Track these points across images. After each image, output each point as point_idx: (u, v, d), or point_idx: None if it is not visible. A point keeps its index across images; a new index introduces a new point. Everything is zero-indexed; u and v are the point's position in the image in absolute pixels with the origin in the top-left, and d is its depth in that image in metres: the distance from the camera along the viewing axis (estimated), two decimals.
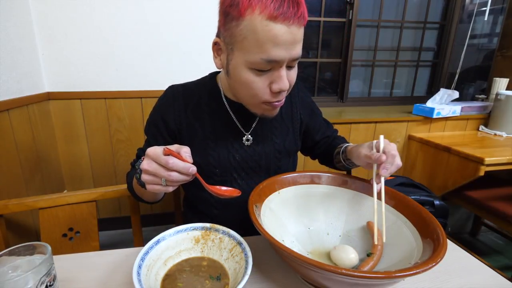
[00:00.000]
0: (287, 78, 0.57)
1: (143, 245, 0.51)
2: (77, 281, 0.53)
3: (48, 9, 1.33)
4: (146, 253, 0.50)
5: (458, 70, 2.01)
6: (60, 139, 1.50)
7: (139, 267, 0.46)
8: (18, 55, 1.21)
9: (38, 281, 0.41)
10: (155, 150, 0.48)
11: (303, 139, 0.85)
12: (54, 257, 0.53)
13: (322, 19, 1.89)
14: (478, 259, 0.61)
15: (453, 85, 2.03)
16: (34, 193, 1.24)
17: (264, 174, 0.75)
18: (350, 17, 1.88)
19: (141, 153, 0.78)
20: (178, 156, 0.48)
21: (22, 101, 1.21)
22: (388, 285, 0.42)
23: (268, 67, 0.54)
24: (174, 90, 0.74)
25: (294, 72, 0.60)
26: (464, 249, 0.64)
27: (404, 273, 0.37)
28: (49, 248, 0.45)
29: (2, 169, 1.07)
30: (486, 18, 1.98)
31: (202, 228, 0.57)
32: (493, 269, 0.57)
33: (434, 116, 1.76)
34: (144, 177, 0.49)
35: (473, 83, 2.28)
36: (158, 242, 0.53)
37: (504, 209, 1.39)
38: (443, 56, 2.12)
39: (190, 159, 0.49)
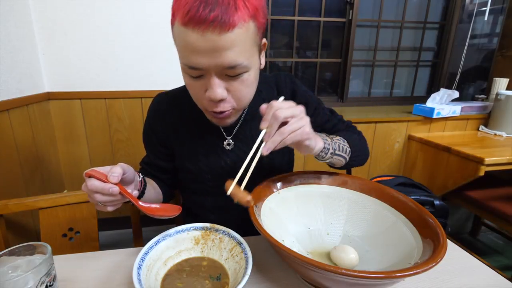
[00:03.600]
0: (225, 87, 0.53)
1: (143, 245, 0.51)
2: (77, 281, 0.53)
3: (48, 9, 1.33)
4: (146, 253, 0.50)
5: (459, 71, 2.01)
6: (60, 139, 1.50)
7: (139, 267, 0.46)
8: (18, 55, 1.21)
9: (38, 281, 0.41)
10: (85, 173, 0.49)
11: None
12: (54, 257, 0.53)
13: (322, 19, 1.89)
14: (478, 259, 0.61)
15: (454, 85, 2.03)
16: (34, 193, 1.24)
17: (256, 176, 0.72)
18: (350, 17, 1.88)
19: (142, 163, 0.79)
20: (98, 176, 0.47)
21: (22, 101, 1.21)
22: (388, 285, 0.42)
23: (195, 73, 0.52)
24: (160, 99, 0.74)
25: (239, 84, 0.54)
26: (464, 249, 0.64)
27: (404, 273, 0.37)
28: (49, 248, 0.45)
29: (2, 169, 1.07)
30: (486, 18, 1.98)
31: (202, 228, 0.57)
32: (493, 269, 0.57)
33: (434, 116, 1.76)
34: (88, 198, 0.50)
35: (473, 83, 2.28)
36: (158, 242, 0.53)
37: (504, 209, 1.39)
38: (443, 56, 2.12)
39: (115, 179, 0.48)
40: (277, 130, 0.49)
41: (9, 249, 0.44)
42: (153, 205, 0.53)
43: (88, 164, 1.57)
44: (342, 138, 0.68)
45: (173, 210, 0.54)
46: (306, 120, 0.51)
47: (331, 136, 0.65)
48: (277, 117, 0.48)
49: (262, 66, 0.61)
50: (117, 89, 1.49)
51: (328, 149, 0.60)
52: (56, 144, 1.50)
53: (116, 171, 0.49)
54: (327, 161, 0.63)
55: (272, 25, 1.86)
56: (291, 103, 0.51)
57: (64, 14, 1.35)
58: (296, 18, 1.86)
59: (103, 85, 1.47)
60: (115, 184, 0.48)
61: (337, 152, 0.63)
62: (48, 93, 1.42)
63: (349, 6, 1.88)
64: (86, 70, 1.44)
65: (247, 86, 0.55)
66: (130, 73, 1.48)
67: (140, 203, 0.52)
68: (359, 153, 0.71)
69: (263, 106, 0.51)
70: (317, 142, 0.56)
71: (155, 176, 0.77)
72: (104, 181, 0.47)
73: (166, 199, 0.78)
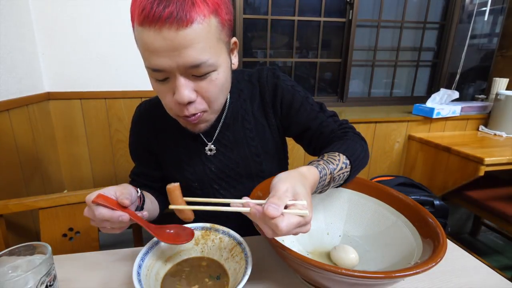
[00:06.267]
0: (194, 88, 0.50)
1: (143, 245, 0.51)
2: (77, 281, 0.53)
3: (48, 9, 1.33)
4: (146, 253, 0.50)
5: (459, 71, 2.01)
6: (60, 139, 1.50)
7: (139, 267, 0.46)
8: (18, 55, 1.21)
9: (38, 281, 0.41)
10: (89, 197, 0.47)
11: (287, 131, 0.72)
12: (54, 257, 0.53)
13: (322, 19, 1.89)
14: (478, 259, 0.61)
15: (454, 85, 2.03)
16: (34, 193, 1.24)
17: (247, 181, 0.70)
18: (350, 17, 1.88)
19: (132, 175, 0.77)
20: (107, 203, 0.45)
21: (22, 101, 1.21)
22: (388, 285, 0.42)
23: (160, 76, 0.49)
24: (141, 109, 0.73)
25: (207, 84, 0.51)
26: (464, 249, 0.64)
27: (404, 273, 0.37)
28: (49, 248, 0.45)
29: (2, 169, 1.07)
30: (486, 18, 1.98)
31: (202, 228, 0.57)
32: (493, 269, 0.57)
33: (434, 116, 1.76)
34: (90, 222, 0.49)
35: (473, 83, 2.28)
36: (158, 242, 0.53)
37: (504, 209, 1.39)
38: (443, 56, 2.12)
39: (127, 202, 0.47)
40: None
41: (9, 249, 0.44)
42: (167, 230, 0.52)
43: (88, 164, 1.57)
44: (343, 161, 0.55)
45: (186, 238, 0.52)
46: (308, 227, 0.41)
47: (332, 169, 0.52)
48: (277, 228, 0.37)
49: (235, 66, 0.59)
50: (117, 89, 1.49)
51: (323, 188, 0.52)
52: (56, 144, 1.50)
53: (127, 194, 0.48)
54: None
55: (272, 25, 1.85)
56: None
57: (64, 14, 1.35)
58: (296, 18, 1.86)
59: (103, 85, 1.47)
60: (126, 207, 0.47)
61: (331, 186, 0.54)
62: (48, 93, 1.42)
63: (349, 6, 1.88)
64: (86, 70, 1.44)
65: (217, 86, 0.52)
66: (130, 73, 1.48)
67: (152, 228, 0.50)
68: (357, 171, 0.60)
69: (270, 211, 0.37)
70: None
71: (147, 186, 0.75)
72: (112, 208, 0.46)
73: (162, 209, 0.75)
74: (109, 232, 0.50)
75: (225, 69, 0.54)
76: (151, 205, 0.68)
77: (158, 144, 0.71)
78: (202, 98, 0.53)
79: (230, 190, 0.71)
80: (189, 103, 0.51)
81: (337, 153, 0.56)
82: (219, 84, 0.53)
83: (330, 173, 0.52)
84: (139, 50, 0.50)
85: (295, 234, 0.40)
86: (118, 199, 0.47)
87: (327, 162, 0.53)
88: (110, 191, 0.48)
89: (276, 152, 0.73)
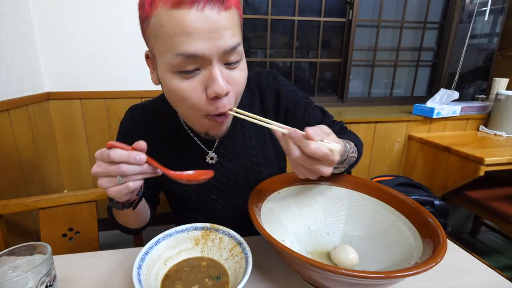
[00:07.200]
0: (226, 80, 0.47)
1: (143, 245, 0.51)
2: (77, 281, 0.53)
3: (48, 9, 1.34)
4: (146, 253, 0.50)
5: (458, 70, 2.01)
6: (60, 139, 1.50)
7: (139, 267, 0.46)
8: (18, 55, 1.21)
9: (38, 281, 0.41)
10: (102, 150, 0.43)
11: None
12: (54, 257, 0.53)
13: (322, 19, 1.89)
14: (478, 259, 0.61)
15: (454, 85, 2.03)
16: (34, 193, 1.24)
17: (245, 190, 0.66)
18: (350, 17, 1.88)
19: None
20: (122, 147, 0.42)
21: (22, 101, 1.21)
22: (388, 285, 0.42)
23: (192, 65, 0.45)
24: (133, 113, 0.68)
25: (238, 73, 0.49)
26: (464, 249, 0.64)
27: (404, 273, 0.37)
28: (49, 248, 0.45)
29: (2, 169, 1.07)
30: (486, 18, 1.98)
31: (202, 228, 0.57)
32: (493, 269, 0.57)
33: (434, 116, 1.76)
34: (100, 181, 0.44)
35: (473, 83, 2.28)
36: (158, 242, 0.53)
37: (504, 209, 1.39)
38: (443, 56, 2.12)
39: (141, 147, 0.43)
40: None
41: (9, 249, 0.44)
42: (184, 172, 0.48)
43: (88, 164, 1.57)
44: (354, 147, 0.59)
45: (207, 174, 0.48)
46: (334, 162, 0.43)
47: (348, 150, 0.56)
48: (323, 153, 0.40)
49: None
50: (117, 89, 1.49)
51: (337, 167, 0.54)
52: (56, 144, 1.50)
53: (141, 145, 0.43)
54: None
55: (272, 25, 1.86)
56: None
57: (64, 14, 1.35)
58: (296, 18, 1.86)
59: (103, 85, 1.48)
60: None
61: (343, 165, 0.57)
62: (48, 93, 1.42)
63: (349, 6, 1.88)
64: (86, 70, 1.44)
65: (244, 77, 0.51)
66: (130, 73, 1.48)
67: (171, 172, 0.46)
68: (358, 160, 0.65)
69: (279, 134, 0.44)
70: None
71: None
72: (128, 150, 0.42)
73: (151, 216, 0.72)
74: (120, 190, 0.43)
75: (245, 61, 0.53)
76: (145, 205, 0.66)
77: (150, 153, 0.68)
78: (234, 91, 0.49)
79: (228, 199, 0.69)
80: (226, 95, 0.48)
81: (348, 140, 0.61)
82: (245, 74, 0.51)
83: (346, 151, 0.54)
84: (163, 39, 0.44)
85: (315, 170, 0.42)
86: (133, 145, 0.43)
87: (345, 141, 0.55)
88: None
89: (276, 160, 0.72)
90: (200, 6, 0.41)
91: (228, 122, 0.58)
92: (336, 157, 0.42)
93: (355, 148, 0.61)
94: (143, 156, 0.42)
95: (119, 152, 0.41)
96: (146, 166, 0.44)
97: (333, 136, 0.45)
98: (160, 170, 0.45)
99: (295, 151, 0.42)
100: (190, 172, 0.48)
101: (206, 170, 0.49)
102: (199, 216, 0.72)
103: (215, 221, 0.58)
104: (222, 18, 0.43)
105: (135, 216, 0.61)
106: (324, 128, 0.44)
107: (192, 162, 0.66)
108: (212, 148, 0.66)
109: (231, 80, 0.48)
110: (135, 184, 0.44)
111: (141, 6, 0.47)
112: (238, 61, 0.48)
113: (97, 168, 0.43)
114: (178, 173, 0.47)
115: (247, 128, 0.67)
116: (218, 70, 0.46)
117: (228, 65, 0.48)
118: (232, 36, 0.45)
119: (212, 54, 0.44)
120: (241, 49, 0.48)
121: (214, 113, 0.50)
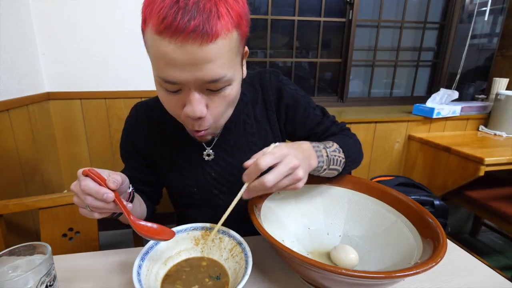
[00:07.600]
0: (205, 103, 0.48)
1: (143, 245, 0.51)
2: (77, 281, 0.53)
3: (48, 9, 1.33)
4: (146, 253, 0.50)
5: (459, 71, 2.01)
6: (60, 139, 1.50)
7: (139, 267, 0.46)
8: (18, 55, 1.21)
9: (38, 281, 0.41)
10: (81, 170, 0.44)
11: (291, 136, 0.73)
12: (54, 257, 0.53)
13: (322, 19, 1.89)
14: (478, 259, 0.61)
15: (454, 85, 2.03)
16: (34, 193, 1.24)
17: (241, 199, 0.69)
18: (350, 17, 1.88)
19: None
20: (96, 178, 0.43)
21: (22, 101, 1.21)
22: (388, 285, 0.42)
23: (172, 88, 0.46)
24: (138, 110, 0.70)
25: (221, 99, 0.49)
26: (464, 249, 0.64)
27: (404, 273, 0.37)
28: (49, 248, 0.45)
29: (2, 169, 1.07)
30: (486, 18, 1.98)
31: (202, 228, 0.57)
32: (493, 269, 0.57)
33: (434, 116, 1.76)
34: (74, 198, 0.46)
35: (473, 83, 2.28)
36: (158, 242, 0.53)
37: (504, 209, 1.39)
38: (443, 56, 2.12)
39: (114, 186, 0.44)
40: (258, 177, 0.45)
41: (9, 249, 0.44)
42: (148, 224, 0.48)
43: (88, 164, 1.57)
44: (337, 147, 0.61)
45: (167, 235, 0.49)
46: (294, 163, 0.45)
47: (326, 146, 0.58)
48: (258, 165, 0.44)
49: (244, 75, 0.57)
50: (117, 89, 1.49)
51: (322, 167, 0.55)
52: (56, 144, 1.50)
53: (117, 179, 0.45)
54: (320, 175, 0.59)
55: (272, 25, 1.85)
56: (280, 149, 0.46)
57: (64, 14, 1.35)
58: (296, 18, 1.86)
59: (103, 85, 1.47)
60: (112, 191, 0.44)
61: (331, 166, 0.58)
62: (48, 93, 1.42)
63: (349, 6, 1.88)
64: (86, 70, 1.44)
65: (228, 102, 0.51)
66: (130, 73, 1.48)
67: (132, 217, 0.47)
68: (353, 162, 0.65)
69: (248, 163, 0.46)
70: (311, 164, 0.51)
71: (137, 189, 0.72)
72: (100, 184, 0.44)
73: (148, 215, 0.72)
74: (88, 215, 0.45)
75: (238, 82, 0.52)
76: (140, 206, 0.66)
77: (154, 149, 0.69)
78: (210, 114, 0.50)
79: (229, 194, 0.70)
80: (199, 118, 0.49)
81: (330, 141, 0.63)
82: (231, 100, 0.51)
83: (324, 148, 0.57)
84: (150, 57, 0.47)
85: (284, 186, 0.46)
86: (107, 179, 0.44)
87: (319, 142, 0.59)
88: (104, 172, 0.46)
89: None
90: (179, 40, 0.40)
91: (212, 132, 0.59)
92: (295, 162, 0.45)
93: (339, 148, 0.61)
94: (110, 195, 0.43)
95: (89, 185, 0.43)
96: (112, 204, 0.45)
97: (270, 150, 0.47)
98: (124, 212, 0.46)
99: (264, 179, 0.45)
100: (154, 225, 0.49)
101: (170, 230, 0.51)
102: (201, 213, 0.72)
103: (217, 218, 0.58)
104: (204, 51, 0.41)
105: (125, 220, 0.61)
106: (261, 151, 0.48)
107: (193, 158, 0.67)
108: (211, 144, 0.67)
109: (211, 105, 0.49)
110: (102, 215, 0.46)
111: (141, 18, 0.47)
112: (222, 88, 0.48)
113: (73, 186, 0.45)
114: (142, 223, 0.48)
115: (249, 124, 0.68)
116: (196, 95, 0.46)
117: (211, 90, 0.47)
118: (217, 68, 0.44)
119: (189, 83, 0.44)
120: (228, 77, 0.46)
121: (191, 129, 0.53)
